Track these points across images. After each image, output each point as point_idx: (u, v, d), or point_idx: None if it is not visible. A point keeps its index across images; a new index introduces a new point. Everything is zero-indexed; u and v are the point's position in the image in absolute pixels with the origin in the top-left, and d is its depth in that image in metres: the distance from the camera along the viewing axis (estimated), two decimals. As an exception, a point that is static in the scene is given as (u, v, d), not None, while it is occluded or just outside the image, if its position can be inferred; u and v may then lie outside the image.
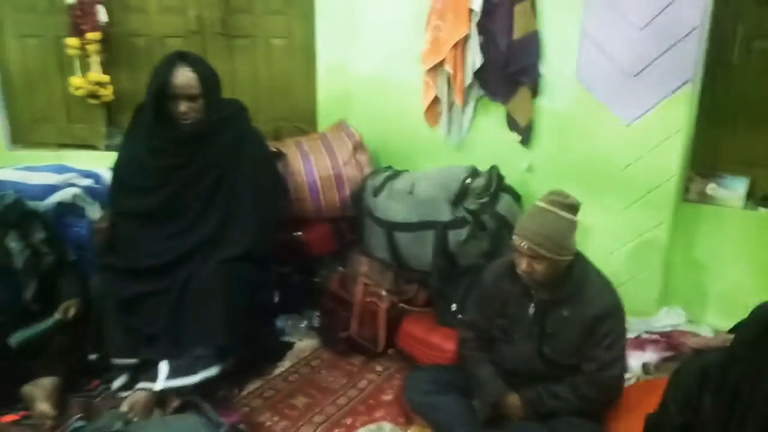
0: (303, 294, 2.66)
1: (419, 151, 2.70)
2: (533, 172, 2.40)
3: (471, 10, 2.31)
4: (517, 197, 2.35)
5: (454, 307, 2.22)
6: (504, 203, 2.27)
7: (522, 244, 1.65)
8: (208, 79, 2.03)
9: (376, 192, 2.46)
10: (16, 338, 2.06)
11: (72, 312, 2.15)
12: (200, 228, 2.09)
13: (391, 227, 2.37)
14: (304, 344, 2.52)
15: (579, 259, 1.74)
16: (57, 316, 2.14)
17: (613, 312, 1.70)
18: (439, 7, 2.38)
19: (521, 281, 1.74)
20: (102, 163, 2.84)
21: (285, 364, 2.37)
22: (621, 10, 2.05)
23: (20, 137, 2.96)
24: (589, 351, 1.68)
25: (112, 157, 2.85)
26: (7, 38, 2.79)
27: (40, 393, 2.05)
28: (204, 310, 1.95)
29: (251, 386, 2.21)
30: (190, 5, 2.80)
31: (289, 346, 2.49)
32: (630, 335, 1.99)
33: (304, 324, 2.63)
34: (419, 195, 2.32)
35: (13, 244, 2.21)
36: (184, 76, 1.97)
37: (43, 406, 1.99)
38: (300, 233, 2.57)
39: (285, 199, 2.40)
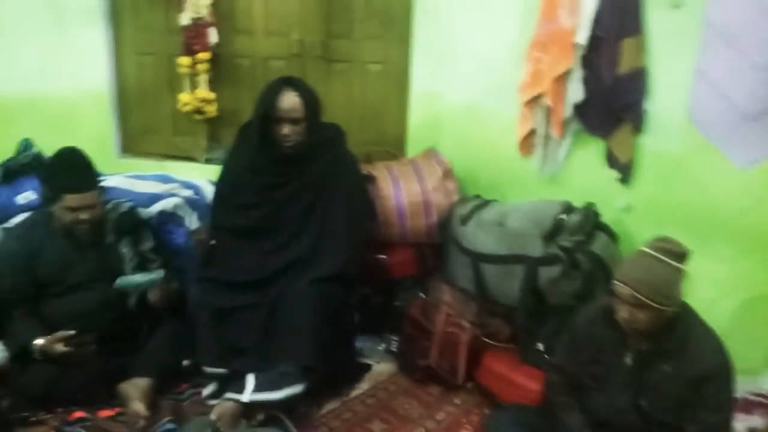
0: (382, 317, 2.68)
1: (509, 182, 2.67)
2: (632, 212, 2.31)
3: (576, 44, 2.27)
4: (614, 237, 2.26)
5: (540, 346, 2.16)
6: (600, 243, 2.19)
7: (624, 291, 1.58)
8: (312, 104, 2.10)
9: (464, 221, 2.45)
10: (122, 281, 2.17)
11: (165, 293, 2.24)
12: (294, 246, 2.15)
13: (477, 258, 2.35)
14: (382, 368, 2.52)
15: (686, 310, 1.64)
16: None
17: (722, 372, 1.59)
18: (542, 39, 2.35)
19: (619, 328, 1.67)
20: (201, 174, 3.00)
21: (363, 387, 2.39)
22: (742, 49, 1.94)
23: (130, 146, 3.17)
24: (694, 412, 1.58)
25: (210, 169, 3.03)
26: (127, 55, 3.01)
27: (135, 392, 2.16)
28: (293, 328, 2.00)
29: (330, 405, 2.24)
30: (293, 29, 2.92)
31: (367, 368, 2.51)
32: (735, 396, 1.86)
33: (382, 347, 2.64)
34: (510, 227, 2.28)
35: (125, 250, 2.36)
36: (290, 101, 2.05)
37: (138, 406, 2.10)
38: (383, 256, 2.60)
39: (374, 221, 2.43)
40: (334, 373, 2.25)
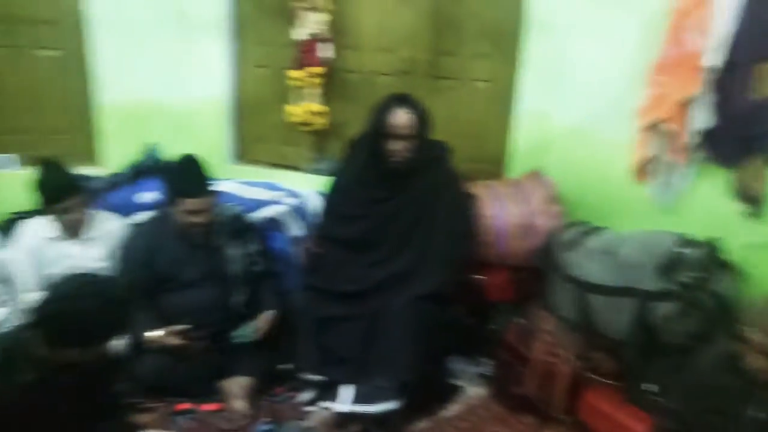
0: (475, 339, 2.63)
1: (619, 209, 2.54)
2: (765, 250, 2.12)
3: (704, 68, 2.13)
4: (740, 277, 2.08)
5: (649, 386, 2.03)
6: (723, 282, 2.03)
7: (757, 338, 1.45)
8: (423, 122, 2.12)
9: (570, 247, 2.35)
10: (240, 337, 2.30)
11: (267, 325, 2.35)
12: (396, 261, 2.17)
13: (583, 287, 2.25)
14: (473, 391, 2.47)
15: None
16: (257, 325, 2.36)
17: None
18: (666, 62, 2.23)
19: (746, 377, 1.53)
20: (306, 184, 3.10)
21: (454, 408, 2.35)
22: None
23: (242, 154, 3.34)
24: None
25: (315, 180, 3.13)
26: (245, 67, 3.18)
27: (237, 390, 2.25)
28: (392, 344, 2.01)
29: (421, 424, 2.22)
30: (402, 46, 2.96)
31: (458, 389, 2.47)
32: None
33: (474, 370, 2.59)
34: (622, 258, 2.17)
35: (233, 252, 2.48)
36: (402, 118, 2.08)
37: (239, 404, 2.19)
38: (480, 276, 2.55)
39: (475, 241, 2.40)
40: (426, 391, 2.24)
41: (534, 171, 2.67)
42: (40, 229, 2.50)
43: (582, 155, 2.62)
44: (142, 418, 2.07)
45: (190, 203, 2.31)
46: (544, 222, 2.48)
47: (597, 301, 2.20)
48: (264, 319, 2.34)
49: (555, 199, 2.54)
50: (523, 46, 2.72)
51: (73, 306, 1.41)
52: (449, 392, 2.42)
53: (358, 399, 2.01)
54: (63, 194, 2.40)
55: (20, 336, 1.49)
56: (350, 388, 2.05)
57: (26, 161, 3.02)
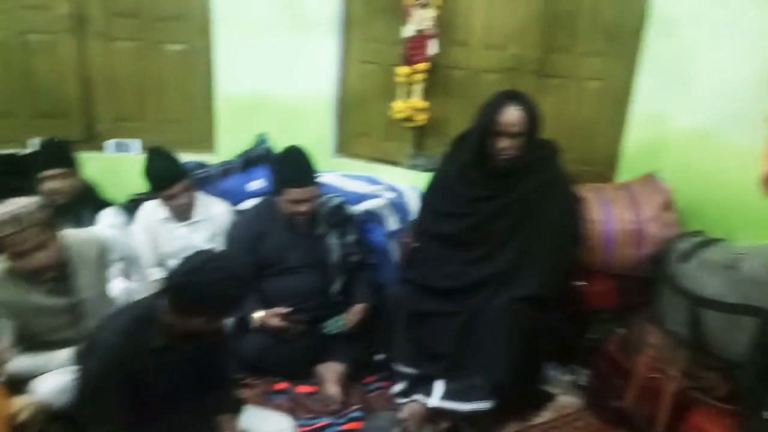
0: (572, 346, 2.53)
1: (741, 221, 2.35)
2: None
3: None
4: None
5: (769, 415, 1.86)
6: None
7: None
8: (533, 120, 2.07)
9: (685, 258, 2.20)
10: (330, 328, 2.38)
11: (357, 317, 2.40)
12: (495, 260, 2.13)
13: (697, 301, 2.09)
14: (567, 400, 2.39)
15: None
16: (347, 317, 2.42)
17: None
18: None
19: None
20: (404, 179, 3.13)
21: (545, 415, 2.29)
22: None
23: (343, 148, 3.43)
24: None
25: (413, 175, 3.15)
26: (352, 63, 3.26)
27: (332, 375, 2.32)
28: (488, 343, 1.98)
29: (511, 427, 2.18)
30: (511, 43, 2.90)
31: (551, 397, 2.40)
32: None
33: (568, 378, 2.50)
34: (745, 273, 2.00)
35: (333, 241, 2.56)
36: (512, 115, 2.04)
37: (333, 389, 2.25)
38: (582, 283, 2.45)
39: (580, 246, 2.31)
40: (519, 395, 2.19)
41: (648, 175, 2.53)
42: (154, 211, 2.70)
43: (702, 161, 2.46)
44: (243, 393, 2.18)
45: (295, 193, 2.41)
46: (656, 230, 2.34)
47: (711, 317, 2.05)
48: (355, 312, 2.39)
49: (670, 206, 2.39)
50: (642, 44, 2.58)
51: (200, 279, 1.51)
52: (542, 399, 2.35)
53: (450, 395, 2.01)
54: (169, 181, 2.56)
55: (151, 304, 1.62)
56: (442, 384, 2.05)
57: (147, 147, 3.27)
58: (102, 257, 2.10)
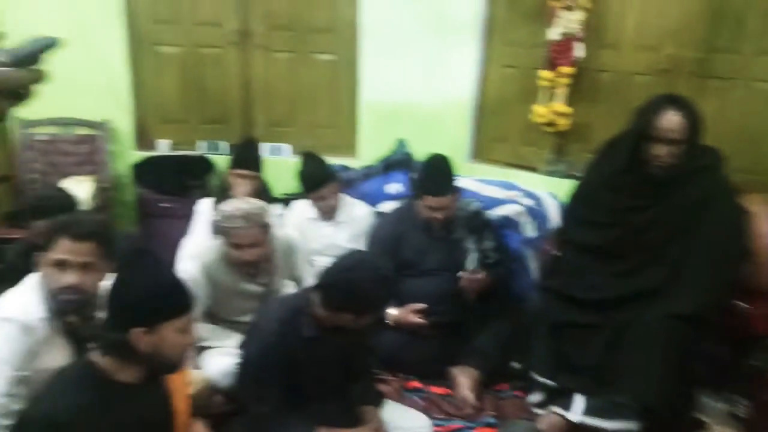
0: (730, 373, 2.32)
1: None
2: None
3: None
4: None
5: None
6: None
7: None
8: (694, 126, 1.93)
9: None
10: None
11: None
12: (646, 274, 2.02)
13: None
14: (720, 431, 2.19)
15: None
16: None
17: None
18: None
19: None
20: (541, 185, 3.07)
21: (695, 445, 2.13)
22: None
23: (479, 153, 3.43)
24: None
25: (551, 181, 3.07)
26: (492, 68, 3.26)
27: (466, 379, 2.33)
28: (639, 362, 1.88)
29: (656, 453, 2.06)
30: (667, 43, 2.73)
31: (703, 425, 2.21)
32: None
33: (724, 407, 2.29)
34: None
35: (469, 246, 2.58)
36: (672, 120, 1.91)
37: (467, 393, 2.26)
38: (744, 304, 2.23)
39: (745, 263, 2.11)
40: (668, 419, 2.05)
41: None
42: (304, 211, 2.89)
43: None
44: (380, 387, 2.27)
45: (432, 200, 2.46)
46: (838, 249, 2.08)
47: None
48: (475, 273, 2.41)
49: None
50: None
51: (352, 278, 1.62)
52: (694, 426, 2.18)
53: (593, 411, 1.94)
54: (319, 183, 2.73)
55: (306, 298, 1.76)
56: (583, 399, 1.98)
57: (297, 150, 3.52)
58: (289, 255, 2.38)
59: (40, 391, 1.35)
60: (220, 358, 2.07)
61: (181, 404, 1.52)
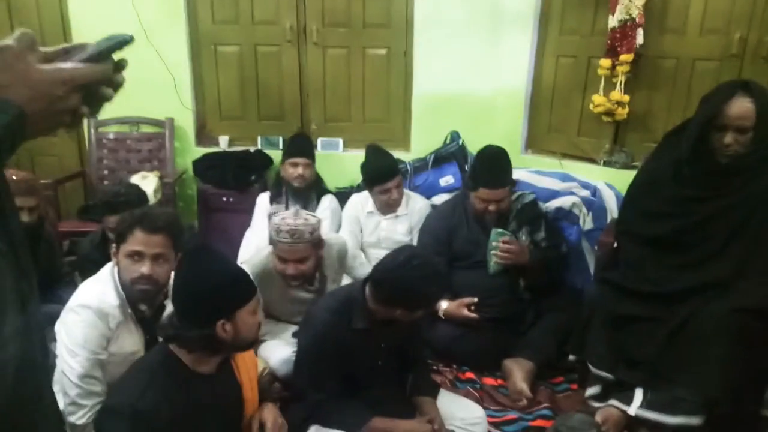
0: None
1: None
2: None
3: None
4: None
5: None
6: None
7: None
8: (766, 113, 1.84)
9: None
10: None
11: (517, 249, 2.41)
12: (711, 267, 1.94)
13: None
14: (791, 430, 2.10)
15: None
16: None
17: None
18: None
19: None
20: (598, 176, 3.00)
21: (765, 443, 2.04)
22: None
23: (533, 143, 3.39)
24: None
25: (608, 172, 3.00)
26: (547, 57, 3.20)
27: (519, 371, 2.32)
28: (702, 354, 1.82)
29: (722, 452, 1.99)
30: (735, 26, 2.61)
31: (769, 422, 2.12)
32: None
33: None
34: None
35: (523, 238, 2.56)
36: (741, 107, 1.83)
37: (522, 385, 2.25)
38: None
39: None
40: (734, 415, 1.97)
41: None
42: (363, 203, 2.94)
43: None
44: (435, 378, 2.29)
45: (486, 193, 2.46)
46: None
47: None
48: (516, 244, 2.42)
49: None
50: None
51: (404, 274, 1.64)
52: (759, 422, 2.09)
53: (653, 406, 1.89)
54: (386, 176, 2.77)
55: (359, 290, 1.79)
56: (642, 392, 1.94)
57: (348, 145, 3.57)
58: (341, 259, 2.39)
59: (123, 380, 1.44)
60: (278, 348, 2.13)
61: (249, 393, 1.59)
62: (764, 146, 1.89)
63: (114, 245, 1.72)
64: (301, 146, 2.95)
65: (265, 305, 2.18)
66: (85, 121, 3.39)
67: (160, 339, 1.53)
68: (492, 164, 2.50)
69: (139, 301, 1.72)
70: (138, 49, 3.46)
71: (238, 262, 2.41)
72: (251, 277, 1.53)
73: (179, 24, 3.41)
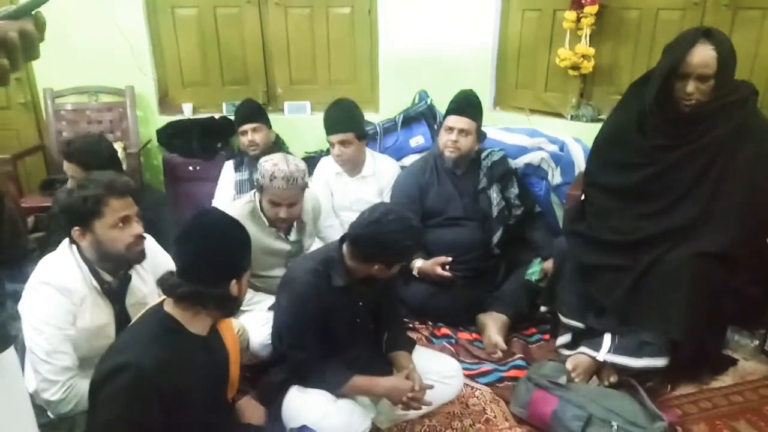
0: (759, 310, 2.31)
1: None
2: None
3: None
4: None
5: None
6: None
7: None
8: (726, 61, 1.86)
9: None
10: (529, 275, 2.49)
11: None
12: (675, 214, 1.99)
13: None
14: (751, 366, 2.22)
15: None
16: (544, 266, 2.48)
17: None
18: None
19: None
20: (565, 131, 3.02)
21: (725, 380, 2.15)
22: None
23: (501, 100, 3.38)
24: None
25: (575, 126, 3.02)
26: (512, 12, 3.17)
27: (494, 325, 2.38)
28: (665, 298, 1.89)
29: (684, 389, 2.09)
30: (696, -25, 2.61)
31: (732, 362, 2.23)
32: None
33: (753, 344, 2.30)
34: None
35: (495, 195, 2.58)
36: (703, 55, 1.85)
37: (497, 338, 2.31)
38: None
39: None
40: (696, 357, 2.07)
41: None
42: (330, 166, 2.91)
43: None
44: (411, 335, 2.33)
45: (453, 120, 2.52)
46: None
47: None
48: (550, 263, 2.40)
49: None
50: None
51: (380, 230, 1.65)
52: (722, 363, 2.21)
53: (620, 350, 1.96)
54: (328, 128, 2.70)
55: (336, 249, 1.80)
56: (610, 338, 2.01)
57: (316, 108, 3.51)
58: (316, 213, 2.45)
59: (122, 341, 1.42)
60: (257, 329, 2.11)
61: (234, 366, 1.60)
62: (725, 93, 1.92)
63: (77, 228, 1.63)
64: (245, 113, 2.87)
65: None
66: (40, 93, 3.31)
67: (128, 305, 1.57)
68: (462, 96, 2.58)
69: (124, 266, 1.69)
70: (91, 15, 3.34)
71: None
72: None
73: (133, -14, 3.27)
